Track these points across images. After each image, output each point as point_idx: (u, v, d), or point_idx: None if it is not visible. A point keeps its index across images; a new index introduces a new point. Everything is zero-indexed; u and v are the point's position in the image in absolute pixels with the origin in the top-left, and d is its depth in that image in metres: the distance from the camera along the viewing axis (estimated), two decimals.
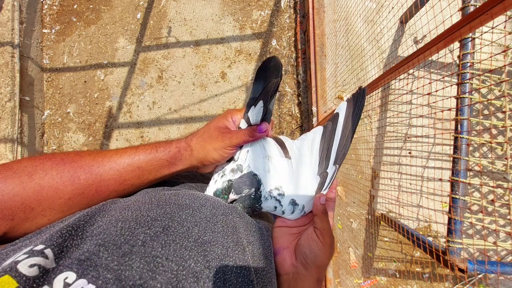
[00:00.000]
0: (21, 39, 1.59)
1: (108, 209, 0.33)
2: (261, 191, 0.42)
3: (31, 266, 0.23)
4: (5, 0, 1.55)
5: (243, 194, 0.41)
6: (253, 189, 0.42)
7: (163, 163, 0.40)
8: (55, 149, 1.74)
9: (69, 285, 0.23)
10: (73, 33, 1.78)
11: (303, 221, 0.43)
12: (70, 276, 0.23)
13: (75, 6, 1.80)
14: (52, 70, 1.76)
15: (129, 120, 1.73)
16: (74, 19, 1.79)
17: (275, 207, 0.42)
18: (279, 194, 0.42)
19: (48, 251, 0.25)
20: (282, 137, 0.48)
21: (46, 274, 0.23)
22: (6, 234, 0.31)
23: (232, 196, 0.42)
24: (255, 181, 0.42)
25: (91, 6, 1.79)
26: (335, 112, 0.45)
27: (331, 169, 0.43)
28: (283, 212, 0.43)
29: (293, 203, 0.42)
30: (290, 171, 0.44)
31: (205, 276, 0.28)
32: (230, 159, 0.45)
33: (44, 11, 1.79)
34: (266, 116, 0.44)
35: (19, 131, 1.53)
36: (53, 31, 1.78)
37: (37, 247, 0.25)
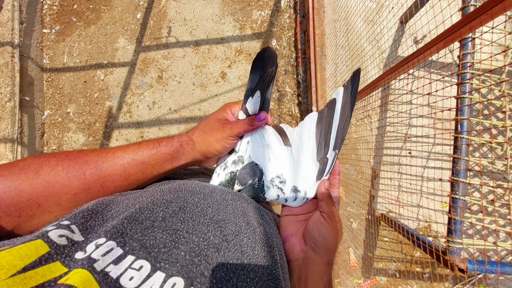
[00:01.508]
0: (21, 39, 1.59)
1: (120, 199, 0.33)
2: (263, 180, 0.43)
3: (60, 236, 0.24)
4: (5, 0, 1.54)
5: (248, 184, 0.42)
6: (256, 179, 0.42)
7: (166, 157, 0.40)
8: (55, 149, 1.74)
9: (101, 245, 0.24)
10: (73, 33, 1.78)
11: (308, 208, 0.44)
12: (101, 240, 0.25)
13: (75, 6, 1.80)
14: (52, 70, 1.76)
15: (129, 120, 1.73)
16: (74, 19, 1.79)
17: (278, 196, 0.43)
18: (281, 182, 0.43)
19: (74, 227, 0.26)
20: (282, 125, 0.49)
21: (76, 244, 0.25)
22: (12, 231, 0.32)
23: (237, 187, 0.42)
24: (257, 170, 0.43)
25: (91, 6, 1.79)
26: (332, 97, 0.46)
27: (331, 154, 0.43)
28: (286, 200, 0.43)
29: (295, 190, 0.43)
30: (290, 158, 0.45)
31: (224, 247, 0.30)
32: (232, 151, 0.45)
33: (44, 11, 1.79)
34: (264, 105, 0.45)
35: (19, 131, 1.53)
36: (53, 31, 1.78)
37: (64, 222, 0.26)
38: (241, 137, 0.45)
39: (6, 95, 1.51)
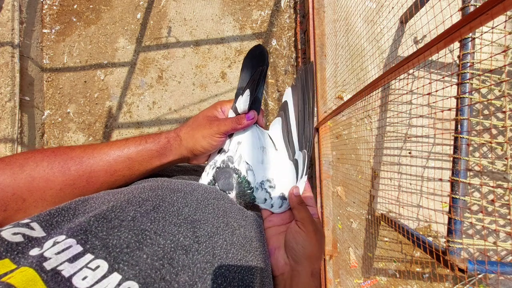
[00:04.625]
0: (21, 39, 1.59)
1: (100, 195, 0.33)
2: (244, 176, 0.42)
3: (15, 234, 0.23)
4: (5, 0, 1.54)
5: (235, 184, 0.42)
6: (235, 175, 0.42)
7: (153, 153, 0.40)
8: None
9: (59, 242, 0.24)
10: (73, 33, 1.78)
11: (289, 217, 0.43)
12: (60, 237, 0.24)
13: (75, 6, 1.80)
14: (52, 70, 1.76)
15: (129, 120, 1.73)
16: (74, 19, 1.79)
17: (265, 200, 0.43)
18: (270, 187, 0.43)
19: (34, 224, 0.25)
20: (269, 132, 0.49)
21: (33, 241, 0.24)
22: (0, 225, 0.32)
23: (232, 194, 0.42)
24: (228, 172, 0.42)
25: (91, 6, 1.79)
26: (283, 100, 0.46)
27: (298, 155, 0.43)
28: (272, 206, 0.43)
29: (282, 197, 0.42)
30: (281, 164, 0.45)
31: (194, 249, 0.29)
32: (222, 151, 0.45)
33: (44, 11, 1.79)
34: (254, 105, 0.44)
35: (19, 131, 1.53)
36: (53, 31, 1.78)
37: (23, 221, 0.25)
38: (230, 136, 0.45)
39: (6, 95, 1.51)
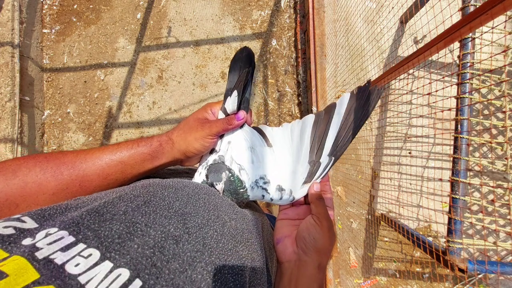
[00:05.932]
0: (21, 39, 1.59)
1: (94, 194, 0.34)
2: (235, 172, 0.43)
3: (5, 227, 0.24)
4: (5, 0, 1.54)
5: (225, 179, 0.42)
6: (226, 171, 0.43)
7: (145, 156, 0.41)
8: (55, 149, 1.74)
9: (51, 234, 0.24)
10: (73, 33, 1.78)
11: (304, 213, 0.44)
12: (53, 229, 0.25)
13: (75, 6, 1.80)
14: (52, 70, 1.76)
15: (129, 120, 1.73)
16: (74, 19, 1.79)
17: (263, 196, 0.44)
18: (265, 183, 0.44)
19: (25, 218, 0.26)
20: (261, 126, 0.50)
21: (25, 232, 0.24)
22: None
23: (218, 186, 0.43)
24: (221, 167, 0.43)
25: (91, 6, 1.79)
26: (337, 102, 0.45)
27: (324, 159, 0.43)
28: (272, 199, 0.44)
29: (280, 188, 0.43)
30: (272, 158, 0.46)
31: (184, 240, 0.29)
32: (213, 151, 0.46)
33: (44, 11, 1.79)
34: (243, 105, 0.46)
35: (19, 131, 1.53)
36: (53, 31, 1.78)
37: (14, 216, 0.26)
38: (221, 137, 0.46)
39: (6, 95, 1.51)
